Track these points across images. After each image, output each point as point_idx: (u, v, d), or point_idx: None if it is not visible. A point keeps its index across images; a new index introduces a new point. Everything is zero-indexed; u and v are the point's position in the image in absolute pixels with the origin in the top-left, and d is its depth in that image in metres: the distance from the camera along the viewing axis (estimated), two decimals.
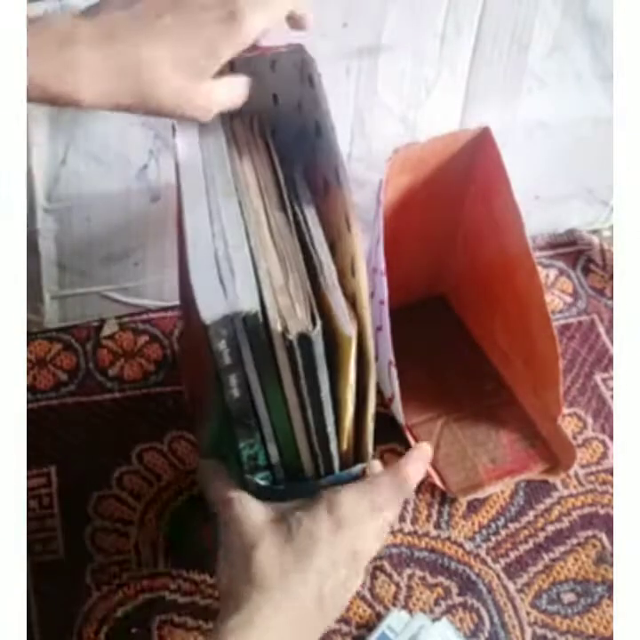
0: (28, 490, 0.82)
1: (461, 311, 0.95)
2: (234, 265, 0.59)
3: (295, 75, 0.69)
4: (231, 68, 0.64)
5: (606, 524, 0.83)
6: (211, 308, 0.56)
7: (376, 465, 0.69)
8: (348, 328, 0.58)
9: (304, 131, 0.70)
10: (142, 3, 0.58)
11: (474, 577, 0.81)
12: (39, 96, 0.54)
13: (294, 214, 0.65)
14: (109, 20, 0.57)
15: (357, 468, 0.67)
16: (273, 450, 0.64)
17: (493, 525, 0.83)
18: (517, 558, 0.82)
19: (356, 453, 0.67)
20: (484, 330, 0.93)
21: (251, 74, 0.65)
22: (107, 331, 0.92)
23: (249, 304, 0.57)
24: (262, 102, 0.70)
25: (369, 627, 0.78)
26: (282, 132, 0.71)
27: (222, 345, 0.58)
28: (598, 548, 0.83)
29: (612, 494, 0.85)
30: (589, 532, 0.83)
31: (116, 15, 0.57)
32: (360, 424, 0.65)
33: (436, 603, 0.79)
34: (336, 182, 0.64)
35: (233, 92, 0.63)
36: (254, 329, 0.57)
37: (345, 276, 0.62)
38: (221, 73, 0.61)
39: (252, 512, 0.64)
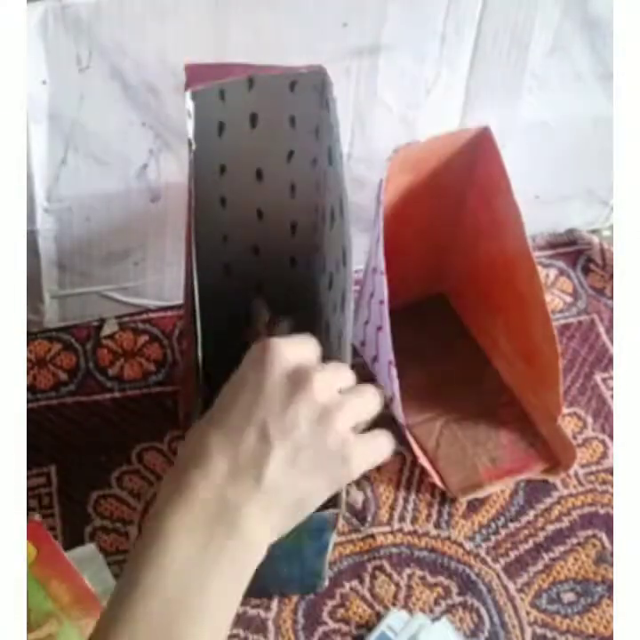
0: (28, 489, 0.82)
1: (462, 311, 0.95)
2: None
3: (315, 97, 0.67)
4: (250, 85, 0.62)
5: (606, 523, 0.83)
6: None
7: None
8: None
9: (320, 157, 0.69)
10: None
11: (474, 577, 0.81)
12: None
13: None
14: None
15: None
16: None
17: (493, 525, 0.83)
18: (517, 558, 0.82)
19: None
20: (484, 329, 0.93)
21: (269, 93, 0.64)
22: (107, 330, 0.92)
23: None
24: (279, 124, 0.68)
25: (369, 627, 0.78)
26: (298, 156, 0.70)
27: None
28: (598, 548, 0.82)
29: (611, 494, 0.85)
30: (589, 532, 0.83)
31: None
32: None
33: (436, 602, 0.79)
34: (339, 214, 0.64)
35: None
36: None
37: (335, 311, 0.61)
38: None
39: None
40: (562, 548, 0.82)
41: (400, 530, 0.82)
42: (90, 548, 0.78)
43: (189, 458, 0.55)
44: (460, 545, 0.82)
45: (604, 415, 0.90)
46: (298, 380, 0.55)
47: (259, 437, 0.54)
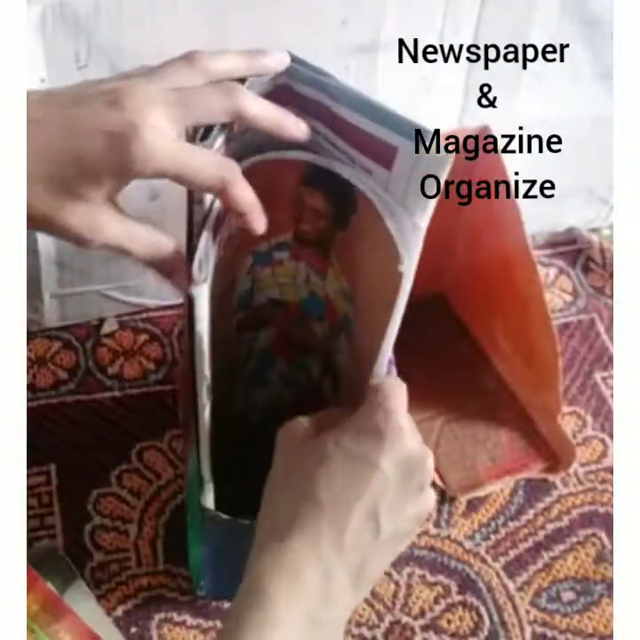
0: (28, 488, 0.82)
1: (461, 310, 0.95)
2: None
3: None
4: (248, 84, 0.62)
5: (606, 522, 0.83)
6: None
7: None
8: None
9: None
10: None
11: (473, 575, 0.81)
12: None
13: None
14: None
15: None
16: None
17: (493, 524, 0.83)
18: (517, 557, 0.82)
19: None
20: (484, 329, 0.93)
21: None
22: (106, 329, 0.92)
23: None
24: None
25: (369, 626, 0.78)
26: None
27: None
28: (598, 547, 0.83)
29: (611, 493, 0.85)
30: (589, 531, 0.83)
31: None
32: None
33: (436, 601, 0.79)
34: None
35: (129, 239, 0.56)
36: None
37: None
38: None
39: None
40: (561, 547, 0.82)
41: None
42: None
43: (294, 519, 0.54)
44: (460, 544, 0.82)
45: (603, 414, 0.90)
46: (412, 472, 0.56)
47: (367, 517, 0.55)
